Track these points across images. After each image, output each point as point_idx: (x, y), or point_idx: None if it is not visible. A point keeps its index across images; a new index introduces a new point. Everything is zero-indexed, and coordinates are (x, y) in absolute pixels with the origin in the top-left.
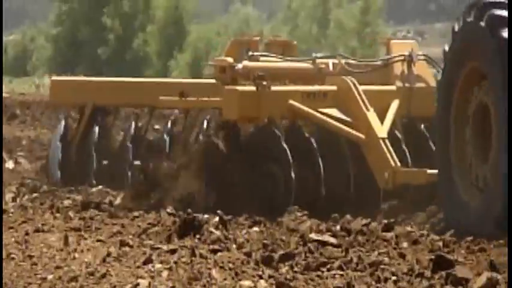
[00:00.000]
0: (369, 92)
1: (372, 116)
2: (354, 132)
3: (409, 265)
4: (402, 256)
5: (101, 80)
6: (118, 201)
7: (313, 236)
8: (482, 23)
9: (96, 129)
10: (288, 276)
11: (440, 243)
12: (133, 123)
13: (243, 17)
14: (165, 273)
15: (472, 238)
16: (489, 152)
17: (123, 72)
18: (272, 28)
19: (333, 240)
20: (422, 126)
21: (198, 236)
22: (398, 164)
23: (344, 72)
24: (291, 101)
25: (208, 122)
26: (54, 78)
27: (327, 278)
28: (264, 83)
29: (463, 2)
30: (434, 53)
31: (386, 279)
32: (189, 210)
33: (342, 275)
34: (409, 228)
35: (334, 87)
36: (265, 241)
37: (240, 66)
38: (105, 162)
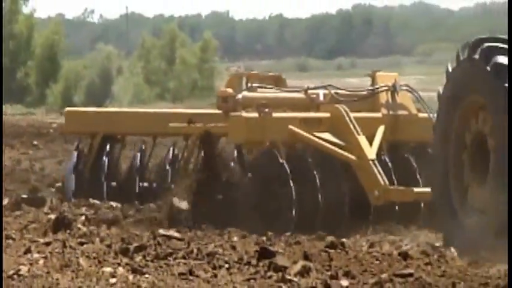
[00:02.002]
0: (358, 118)
1: (362, 140)
2: (346, 154)
3: (239, 255)
4: (233, 248)
5: (111, 110)
6: (4, 203)
7: (161, 231)
8: (476, 56)
9: (106, 155)
10: (141, 264)
11: (264, 238)
12: (138, 155)
13: (105, 54)
14: (41, 261)
15: (290, 234)
16: (486, 175)
17: (9, 99)
18: (129, 63)
19: (177, 234)
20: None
21: (68, 231)
22: (387, 182)
23: (334, 101)
24: (290, 126)
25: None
26: (68, 109)
27: (173, 265)
28: (266, 110)
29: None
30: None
31: (220, 266)
32: (62, 210)
33: (185, 263)
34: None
35: (327, 114)
36: (122, 236)
37: (240, 96)
38: (113, 183)
